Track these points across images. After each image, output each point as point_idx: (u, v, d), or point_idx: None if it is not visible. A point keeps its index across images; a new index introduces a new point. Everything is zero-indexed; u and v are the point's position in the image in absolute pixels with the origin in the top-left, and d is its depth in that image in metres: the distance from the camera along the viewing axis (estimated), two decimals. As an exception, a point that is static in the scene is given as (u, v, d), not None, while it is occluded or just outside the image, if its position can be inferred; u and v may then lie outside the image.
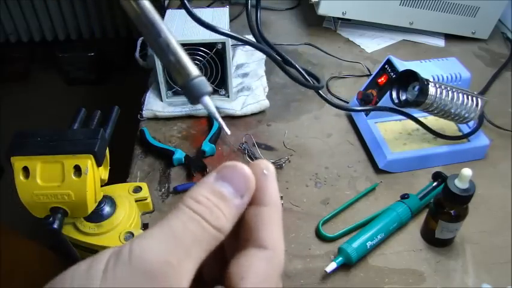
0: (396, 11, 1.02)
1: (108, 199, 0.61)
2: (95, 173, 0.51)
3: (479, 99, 0.69)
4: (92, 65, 2.25)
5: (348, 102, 0.87)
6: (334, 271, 0.58)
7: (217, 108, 0.83)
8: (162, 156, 0.76)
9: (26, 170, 0.50)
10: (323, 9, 1.01)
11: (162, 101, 0.84)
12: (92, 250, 0.60)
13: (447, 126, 0.77)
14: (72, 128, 0.57)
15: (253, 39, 0.80)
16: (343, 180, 0.72)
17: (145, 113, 0.83)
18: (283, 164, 0.74)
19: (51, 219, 0.50)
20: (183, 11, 0.85)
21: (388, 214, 0.63)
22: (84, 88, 2.27)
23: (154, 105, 0.83)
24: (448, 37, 1.08)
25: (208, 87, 0.39)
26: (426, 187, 0.68)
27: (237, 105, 0.83)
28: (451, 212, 0.58)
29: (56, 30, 2.23)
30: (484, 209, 0.67)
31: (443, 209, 0.59)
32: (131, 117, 0.82)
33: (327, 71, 0.97)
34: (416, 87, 0.66)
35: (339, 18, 1.07)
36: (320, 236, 0.64)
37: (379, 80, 0.78)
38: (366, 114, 0.78)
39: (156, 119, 0.83)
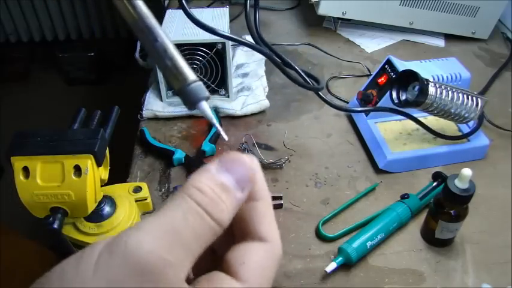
0: (396, 11, 1.02)
1: (108, 199, 0.61)
2: (95, 173, 0.51)
3: (479, 99, 0.69)
4: (92, 65, 2.25)
5: (348, 102, 0.87)
6: (334, 271, 0.58)
7: (217, 108, 0.83)
8: (162, 156, 0.76)
9: (26, 170, 0.50)
10: (323, 9, 1.01)
11: (162, 101, 0.84)
12: (92, 250, 0.60)
13: (447, 126, 0.77)
14: (72, 128, 0.57)
15: (252, 41, 0.80)
16: (343, 180, 0.72)
17: (145, 113, 0.83)
18: (283, 164, 0.74)
19: (51, 219, 0.50)
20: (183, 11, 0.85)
21: (388, 214, 0.63)
22: (84, 88, 2.27)
23: (154, 105, 0.83)
24: (448, 37, 1.08)
25: (206, 93, 0.37)
26: (426, 187, 0.68)
27: (237, 105, 0.83)
28: (451, 212, 0.58)
29: (56, 30, 2.23)
30: (484, 209, 0.67)
31: (443, 209, 0.59)
32: (131, 117, 0.82)
33: (327, 71, 0.97)
34: (416, 87, 0.66)
35: (339, 18, 1.07)
36: (320, 236, 0.64)
37: (379, 80, 0.78)
38: (366, 114, 0.78)
39: (156, 119, 0.83)
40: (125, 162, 0.76)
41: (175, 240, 0.21)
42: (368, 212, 0.66)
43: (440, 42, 1.07)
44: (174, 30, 0.80)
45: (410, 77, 0.67)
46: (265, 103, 0.84)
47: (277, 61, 0.72)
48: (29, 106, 2.15)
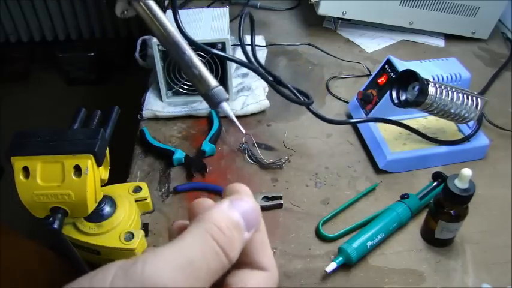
0: (396, 11, 1.02)
1: (108, 199, 0.61)
2: (95, 173, 0.51)
3: (479, 99, 0.69)
4: (92, 65, 2.25)
5: (347, 102, 0.87)
6: (334, 271, 0.58)
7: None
8: (162, 156, 0.76)
9: (26, 170, 0.50)
10: (323, 9, 1.01)
11: (162, 101, 0.84)
12: (92, 250, 0.60)
13: (447, 126, 0.77)
14: (72, 128, 0.57)
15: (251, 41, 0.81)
16: (343, 180, 0.72)
17: (145, 113, 0.83)
18: (283, 164, 0.74)
19: (51, 219, 0.50)
20: (182, 11, 0.85)
21: (388, 214, 0.63)
22: (84, 88, 2.27)
23: (154, 105, 0.83)
24: (448, 37, 1.08)
25: (226, 95, 0.47)
26: (426, 187, 0.68)
27: (237, 105, 0.84)
28: (451, 212, 0.58)
29: (56, 30, 2.23)
30: (484, 209, 0.67)
31: (443, 209, 0.59)
32: (131, 117, 0.82)
33: (327, 71, 0.97)
34: (416, 87, 0.66)
35: (339, 18, 1.07)
36: (320, 236, 0.64)
37: (379, 80, 0.78)
38: (366, 114, 0.78)
39: (156, 119, 0.83)
40: (125, 162, 0.76)
41: (192, 273, 0.22)
42: (368, 212, 0.66)
43: (440, 42, 1.07)
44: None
45: (410, 77, 0.67)
46: (265, 103, 0.84)
47: (270, 80, 0.74)
48: (29, 106, 2.15)
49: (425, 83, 0.65)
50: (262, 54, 0.98)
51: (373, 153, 0.75)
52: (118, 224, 0.60)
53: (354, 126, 0.81)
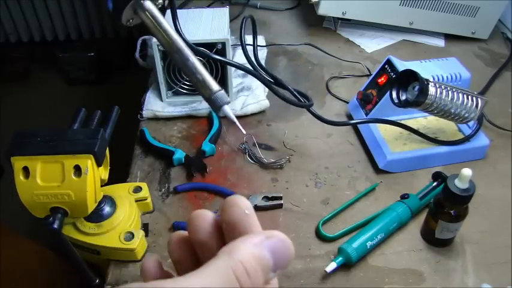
0: (396, 11, 1.02)
1: (108, 199, 0.61)
2: (95, 173, 0.51)
3: (479, 99, 0.69)
4: (92, 65, 2.25)
5: (347, 102, 0.87)
6: (334, 271, 0.58)
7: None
8: (162, 156, 0.76)
9: (26, 170, 0.50)
10: (323, 9, 1.01)
11: (162, 101, 0.84)
12: (92, 250, 0.60)
13: (447, 126, 0.77)
14: (72, 128, 0.57)
15: (252, 42, 0.81)
16: (343, 180, 0.72)
17: (145, 113, 0.83)
18: (283, 164, 0.74)
19: (51, 219, 0.50)
20: (183, 11, 0.85)
21: (388, 214, 0.63)
22: (84, 88, 2.27)
23: (154, 105, 0.83)
24: (448, 37, 1.08)
25: (227, 99, 0.50)
26: (426, 187, 0.68)
27: (237, 105, 0.83)
28: (451, 212, 0.58)
29: (56, 30, 2.23)
30: (484, 209, 0.67)
31: (443, 209, 0.59)
32: (131, 117, 0.82)
33: (327, 71, 0.97)
34: (416, 87, 0.66)
35: (339, 18, 1.07)
36: (320, 236, 0.64)
37: (379, 80, 0.78)
38: (366, 114, 0.78)
39: (156, 119, 0.83)
40: (125, 162, 0.76)
41: None
42: (368, 212, 0.66)
43: (440, 42, 1.07)
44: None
45: (411, 77, 0.67)
46: (265, 103, 0.84)
47: (270, 82, 0.75)
48: (29, 106, 2.15)
49: (425, 83, 0.65)
50: (262, 54, 0.98)
51: (373, 153, 0.75)
52: (118, 224, 0.60)
53: (354, 126, 0.81)
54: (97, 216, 0.59)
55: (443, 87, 0.66)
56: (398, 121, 0.77)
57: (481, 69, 0.98)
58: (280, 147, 0.78)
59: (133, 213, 0.62)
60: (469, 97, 0.69)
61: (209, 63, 0.79)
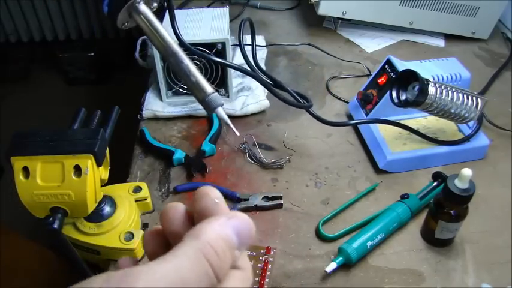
0: (396, 11, 1.02)
1: (108, 199, 0.61)
2: (95, 173, 0.51)
3: (479, 99, 0.69)
4: (92, 65, 2.25)
5: (347, 102, 0.87)
6: (334, 271, 0.58)
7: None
8: (162, 156, 0.76)
9: (26, 170, 0.50)
10: (323, 9, 1.01)
11: (162, 101, 0.84)
12: (92, 250, 0.60)
13: (447, 126, 0.77)
14: (72, 128, 0.57)
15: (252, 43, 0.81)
16: (343, 180, 0.72)
17: (145, 113, 0.83)
18: (283, 164, 0.74)
19: (51, 219, 0.50)
20: (183, 11, 0.85)
21: (388, 214, 0.63)
22: (84, 88, 2.27)
23: (154, 105, 0.83)
24: (448, 37, 1.08)
25: (221, 101, 0.50)
26: (426, 187, 0.68)
27: (237, 105, 0.83)
28: (451, 212, 0.58)
29: (56, 30, 2.23)
30: (484, 209, 0.67)
31: (443, 209, 0.59)
32: (131, 117, 0.82)
33: (327, 71, 0.97)
34: (416, 87, 0.66)
35: (339, 18, 1.07)
36: (320, 236, 0.64)
37: (379, 80, 0.78)
38: (366, 114, 0.78)
39: (156, 119, 0.83)
40: (125, 162, 0.76)
41: None
42: (368, 212, 0.66)
43: (440, 42, 1.07)
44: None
45: (411, 77, 0.67)
46: (265, 103, 0.84)
47: (269, 84, 0.75)
48: (29, 106, 2.15)
49: (425, 83, 0.65)
50: (262, 55, 0.98)
51: (373, 153, 0.75)
52: (118, 224, 0.60)
53: (354, 126, 0.81)
54: (97, 216, 0.59)
55: (443, 87, 0.66)
56: (398, 121, 0.77)
57: (481, 69, 0.98)
58: (280, 147, 0.78)
59: (133, 213, 0.62)
60: (469, 97, 0.69)
61: (209, 64, 0.79)
